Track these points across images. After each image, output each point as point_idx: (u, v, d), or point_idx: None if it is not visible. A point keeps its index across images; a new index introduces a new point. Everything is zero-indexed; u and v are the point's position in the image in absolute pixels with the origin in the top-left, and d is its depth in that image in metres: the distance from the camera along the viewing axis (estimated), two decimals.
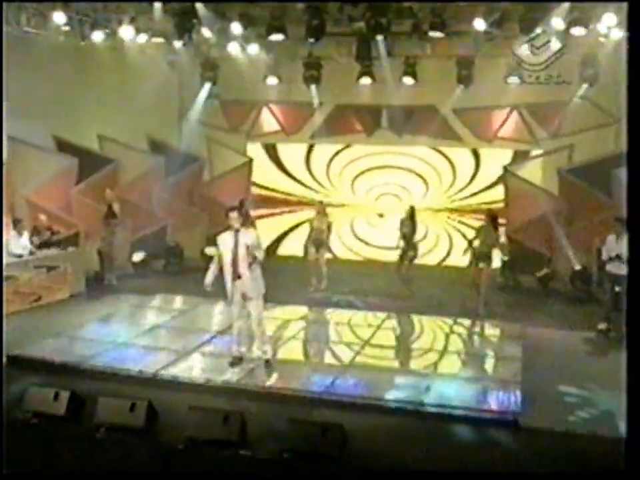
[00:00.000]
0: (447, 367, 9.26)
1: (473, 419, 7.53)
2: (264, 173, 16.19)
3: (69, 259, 12.69)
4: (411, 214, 12.87)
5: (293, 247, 15.84)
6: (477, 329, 11.03)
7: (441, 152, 15.39)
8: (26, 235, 12.43)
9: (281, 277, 12.57)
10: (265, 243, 12.88)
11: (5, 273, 11.15)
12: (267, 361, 9.01)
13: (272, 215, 16.14)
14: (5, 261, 11.38)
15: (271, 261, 11.02)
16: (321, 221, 13.29)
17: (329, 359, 9.70)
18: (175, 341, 9.97)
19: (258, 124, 16.14)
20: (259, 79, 14.73)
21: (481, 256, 11.59)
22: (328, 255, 13.60)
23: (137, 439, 6.72)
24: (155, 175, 15.25)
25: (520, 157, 14.83)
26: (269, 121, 16.14)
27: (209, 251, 14.87)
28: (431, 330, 11.06)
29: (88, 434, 6.74)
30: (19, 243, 12.13)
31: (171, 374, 8.69)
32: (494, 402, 7.93)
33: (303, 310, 11.92)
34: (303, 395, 8.18)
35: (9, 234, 12.19)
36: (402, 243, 12.77)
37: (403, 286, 12.82)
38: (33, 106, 12.77)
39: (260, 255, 8.51)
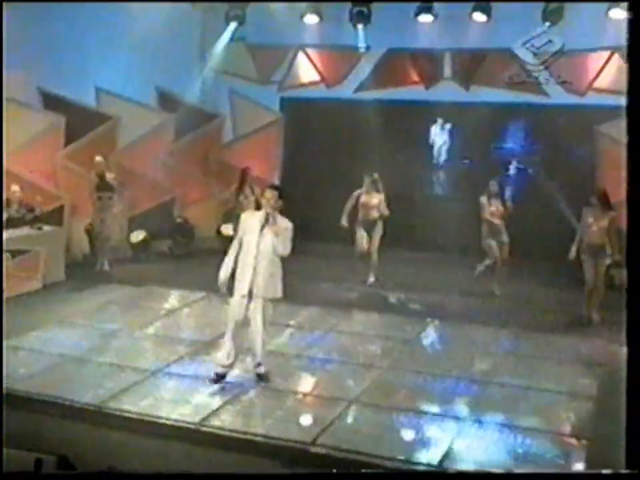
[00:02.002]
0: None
1: None
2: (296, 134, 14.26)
3: (45, 240, 11.07)
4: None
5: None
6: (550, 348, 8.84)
7: None
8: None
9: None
10: None
11: None
12: (260, 375, 7.47)
13: None
14: None
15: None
16: (371, 196, 11.40)
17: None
18: (144, 356, 8.25)
19: (292, 73, 14.28)
20: (295, 17, 13.24)
21: (592, 249, 9.46)
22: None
23: None
24: (162, 136, 13.46)
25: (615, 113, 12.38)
26: (305, 70, 14.28)
27: (227, 229, 13.52)
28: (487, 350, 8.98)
29: None
30: None
31: (123, 406, 6.95)
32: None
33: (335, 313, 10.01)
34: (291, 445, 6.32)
35: None
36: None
37: (494, 283, 10.79)
38: (12, 50, 11.17)
39: (287, 248, 7.19)
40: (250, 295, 7.18)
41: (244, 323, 7.30)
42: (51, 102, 12.53)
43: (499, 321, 9.65)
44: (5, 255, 10.42)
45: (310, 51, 14.18)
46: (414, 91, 13.80)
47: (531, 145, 13.39)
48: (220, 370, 7.44)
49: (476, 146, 13.45)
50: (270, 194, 7.19)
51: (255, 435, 6.45)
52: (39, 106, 12.48)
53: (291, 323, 9.43)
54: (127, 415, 6.81)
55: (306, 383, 7.69)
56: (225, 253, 12.41)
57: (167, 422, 6.68)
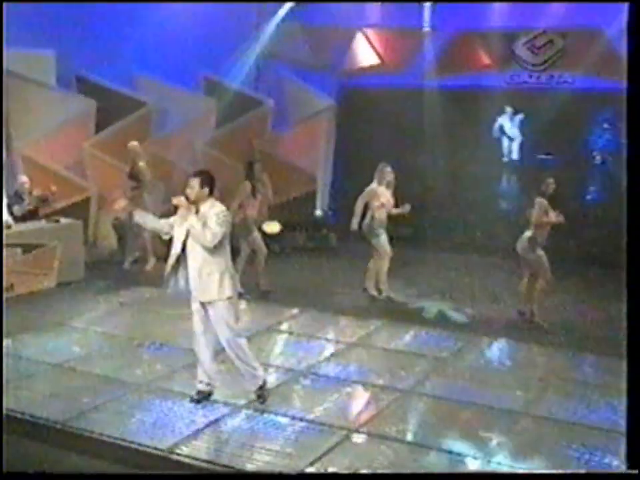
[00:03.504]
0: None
1: None
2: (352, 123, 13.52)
3: (62, 234, 10.69)
4: None
5: None
6: None
7: None
8: (4, 202, 10.60)
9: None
10: None
11: None
12: (260, 394, 6.76)
13: None
14: None
15: None
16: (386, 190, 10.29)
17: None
18: (136, 368, 7.67)
19: (350, 56, 13.52)
20: None
21: None
22: None
23: None
24: (202, 123, 12.95)
25: None
26: (364, 53, 13.56)
27: (270, 226, 12.89)
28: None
29: None
30: None
31: (90, 425, 6.38)
32: None
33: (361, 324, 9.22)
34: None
35: None
36: None
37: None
38: (42, 30, 10.95)
39: (205, 238, 6.41)
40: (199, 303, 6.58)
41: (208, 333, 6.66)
42: (85, 87, 12.25)
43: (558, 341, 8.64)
44: (15, 250, 10.11)
45: (370, 32, 13.47)
46: (484, 77, 12.89)
47: (617, 137, 12.26)
48: (202, 387, 6.79)
49: (553, 138, 12.41)
50: (193, 181, 6.44)
51: (225, 467, 5.76)
52: (72, 91, 12.20)
53: (297, 331, 8.85)
54: (87, 435, 6.24)
55: (305, 406, 6.90)
56: (268, 251, 12.07)
57: (130, 446, 6.06)
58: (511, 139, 13.06)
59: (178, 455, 5.93)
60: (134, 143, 11.59)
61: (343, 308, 9.76)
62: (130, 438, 6.15)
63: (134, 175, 11.51)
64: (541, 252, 8.94)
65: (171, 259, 6.59)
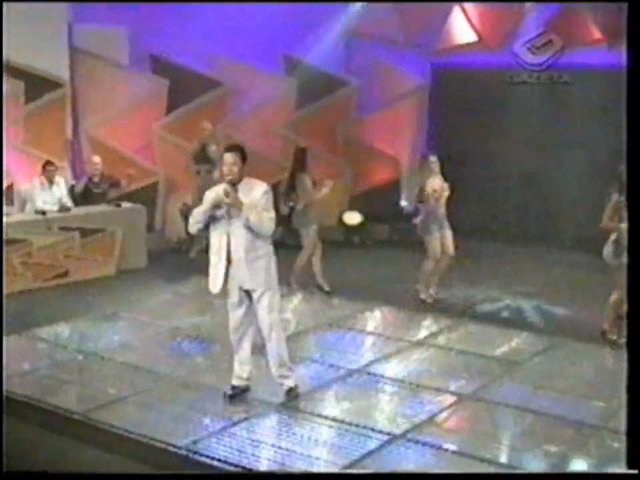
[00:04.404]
0: None
1: None
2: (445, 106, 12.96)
3: (123, 219, 10.63)
4: None
5: None
6: None
7: None
8: (62, 184, 10.62)
9: None
10: None
11: (5, 236, 9.43)
12: (288, 394, 6.44)
13: None
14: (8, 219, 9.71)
15: None
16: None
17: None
18: (171, 360, 7.47)
19: (445, 33, 12.95)
20: None
21: None
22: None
23: None
24: (281, 105, 12.67)
25: None
26: (460, 29, 12.92)
27: (351, 218, 12.55)
28: None
29: None
30: (46, 195, 10.36)
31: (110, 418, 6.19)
32: None
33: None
34: None
35: (33, 183, 10.48)
36: None
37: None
38: (114, 6, 11.06)
39: (262, 224, 6.08)
40: (242, 293, 6.27)
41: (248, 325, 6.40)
42: (158, 65, 12.20)
43: None
44: (72, 234, 10.10)
45: (468, 5, 12.86)
46: (594, 52, 12.10)
47: None
48: (237, 382, 6.49)
49: None
50: (230, 158, 6.03)
51: (243, 469, 5.42)
52: (145, 70, 12.18)
53: (359, 327, 8.43)
54: (102, 427, 6.03)
55: (348, 407, 6.48)
56: (347, 243, 11.68)
57: (145, 441, 5.81)
58: None
59: (194, 453, 5.65)
60: (206, 124, 11.45)
61: (416, 304, 9.26)
62: (148, 432, 5.92)
63: (200, 158, 11.33)
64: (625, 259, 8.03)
65: (222, 253, 6.18)
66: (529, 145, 12.36)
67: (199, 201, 10.56)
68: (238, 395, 6.47)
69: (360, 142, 12.82)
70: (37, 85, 11.12)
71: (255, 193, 6.11)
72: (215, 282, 6.24)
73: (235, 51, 12.25)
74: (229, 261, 6.17)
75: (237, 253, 6.12)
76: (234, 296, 6.32)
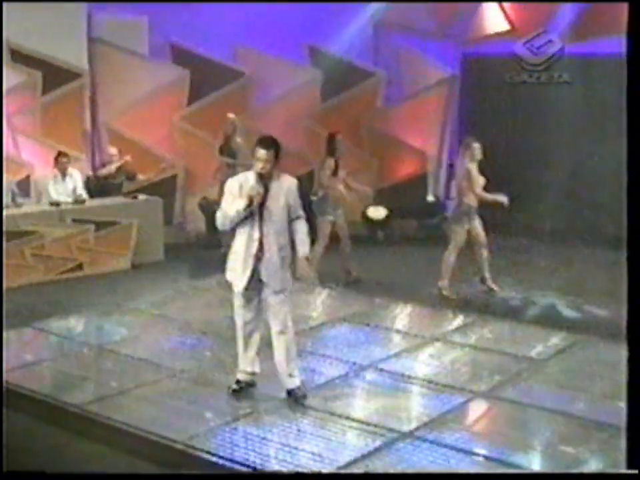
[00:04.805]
0: None
1: None
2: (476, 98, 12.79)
3: (139, 212, 10.61)
4: None
5: None
6: None
7: None
8: (77, 176, 10.63)
9: None
10: None
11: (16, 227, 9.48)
12: (293, 392, 6.24)
13: None
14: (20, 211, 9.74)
15: None
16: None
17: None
18: (177, 354, 7.40)
19: (477, 22, 12.80)
20: None
21: None
22: None
23: None
24: (306, 96, 12.58)
25: None
26: (493, 18, 12.76)
27: (376, 212, 12.40)
28: None
29: None
30: (59, 187, 10.38)
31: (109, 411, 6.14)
32: None
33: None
34: None
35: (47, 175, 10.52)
36: None
37: None
38: None
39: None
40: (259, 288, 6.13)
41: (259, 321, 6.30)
42: (179, 56, 12.18)
43: None
44: (87, 226, 10.10)
45: None
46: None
47: None
48: (242, 377, 6.39)
49: None
50: (265, 155, 5.83)
51: (241, 465, 5.33)
52: (166, 60, 12.17)
53: (375, 322, 8.25)
54: (99, 420, 5.98)
55: (355, 404, 6.37)
56: (371, 239, 11.52)
57: (142, 435, 5.75)
58: None
59: (193, 449, 5.56)
60: (231, 115, 11.39)
61: (437, 300, 9.11)
62: (146, 426, 5.85)
63: (225, 151, 11.29)
64: None
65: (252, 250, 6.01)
66: (569, 138, 12.08)
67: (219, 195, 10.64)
68: (243, 389, 6.37)
69: (386, 134, 12.70)
70: (55, 75, 11.21)
71: (289, 185, 6.02)
72: (242, 279, 6.08)
73: (258, 41, 12.20)
74: (257, 258, 6.03)
75: (269, 252, 6.00)
76: (248, 291, 6.15)
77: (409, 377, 6.80)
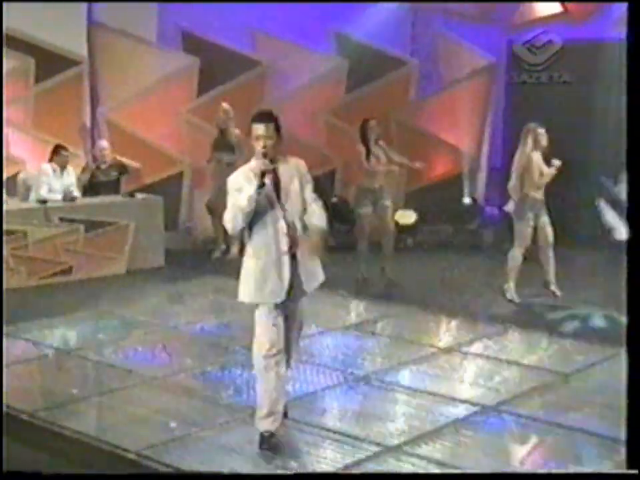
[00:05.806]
0: None
1: None
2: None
3: (137, 212, 10.52)
4: None
5: None
6: None
7: None
8: (71, 172, 10.60)
9: None
10: None
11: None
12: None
13: None
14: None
15: None
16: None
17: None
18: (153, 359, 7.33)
19: (524, 5, 12.63)
20: None
21: None
22: None
23: None
24: (329, 86, 12.49)
25: None
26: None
27: (405, 217, 12.17)
28: None
29: None
30: (55, 183, 10.36)
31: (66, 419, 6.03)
32: None
33: None
34: None
35: (41, 169, 10.47)
36: None
37: None
38: None
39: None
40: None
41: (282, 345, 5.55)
42: (191, 43, 12.17)
43: None
44: (76, 227, 10.05)
45: None
46: None
47: None
48: (270, 426, 5.56)
49: None
50: (262, 130, 5.34)
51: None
52: (177, 48, 12.17)
53: (384, 331, 8.20)
54: (48, 428, 5.87)
55: (343, 415, 6.16)
56: (399, 246, 11.30)
57: (92, 443, 5.62)
58: None
59: (146, 458, 5.40)
60: (225, 105, 11.27)
61: (461, 310, 8.85)
62: (101, 435, 5.72)
63: (220, 145, 11.15)
64: None
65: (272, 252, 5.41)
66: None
67: (217, 192, 10.23)
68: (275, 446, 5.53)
69: (417, 129, 12.54)
70: (50, 62, 11.21)
71: (297, 166, 5.49)
72: (280, 285, 5.41)
73: (276, 27, 12.15)
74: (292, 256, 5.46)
75: (301, 246, 5.46)
76: (274, 307, 5.48)
77: (408, 388, 6.61)
